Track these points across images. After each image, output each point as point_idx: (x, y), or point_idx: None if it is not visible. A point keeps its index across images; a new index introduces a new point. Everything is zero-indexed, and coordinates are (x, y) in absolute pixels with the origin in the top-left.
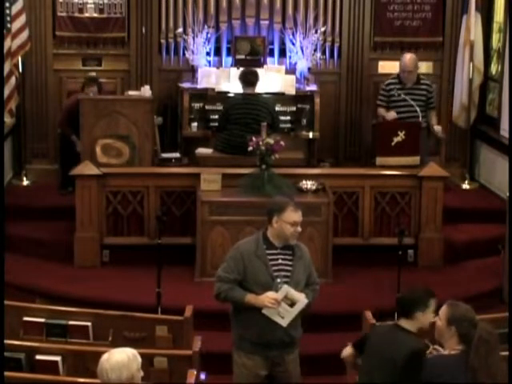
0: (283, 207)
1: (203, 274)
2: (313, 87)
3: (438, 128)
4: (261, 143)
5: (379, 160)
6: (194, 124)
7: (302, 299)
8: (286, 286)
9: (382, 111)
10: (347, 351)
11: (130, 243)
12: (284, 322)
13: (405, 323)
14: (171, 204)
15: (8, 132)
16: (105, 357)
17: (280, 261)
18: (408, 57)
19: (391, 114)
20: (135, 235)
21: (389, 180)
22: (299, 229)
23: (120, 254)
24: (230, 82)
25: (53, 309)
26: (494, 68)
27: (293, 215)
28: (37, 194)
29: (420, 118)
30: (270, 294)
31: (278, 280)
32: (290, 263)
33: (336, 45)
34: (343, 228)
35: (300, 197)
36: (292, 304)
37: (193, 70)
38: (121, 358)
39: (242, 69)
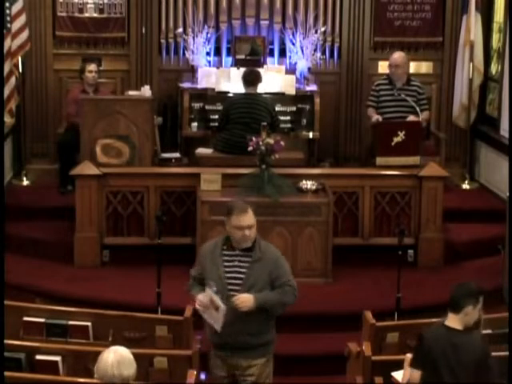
0: (230, 212)
1: None
2: (313, 87)
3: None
4: (261, 143)
5: (379, 160)
6: (194, 124)
7: (221, 306)
8: (208, 291)
9: (371, 112)
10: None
11: (130, 243)
12: (217, 326)
13: (453, 322)
14: (171, 204)
15: (8, 132)
16: (109, 354)
17: (236, 263)
18: (396, 53)
19: (375, 118)
20: (135, 235)
21: (389, 180)
22: (247, 232)
23: (120, 254)
24: (230, 82)
25: (53, 309)
26: (494, 68)
27: (237, 220)
28: (37, 194)
29: (420, 118)
30: (200, 297)
31: (211, 283)
32: (246, 265)
33: (336, 45)
34: (343, 228)
35: (300, 197)
36: (217, 308)
37: (193, 70)
38: (127, 354)
39: (243, 68)
